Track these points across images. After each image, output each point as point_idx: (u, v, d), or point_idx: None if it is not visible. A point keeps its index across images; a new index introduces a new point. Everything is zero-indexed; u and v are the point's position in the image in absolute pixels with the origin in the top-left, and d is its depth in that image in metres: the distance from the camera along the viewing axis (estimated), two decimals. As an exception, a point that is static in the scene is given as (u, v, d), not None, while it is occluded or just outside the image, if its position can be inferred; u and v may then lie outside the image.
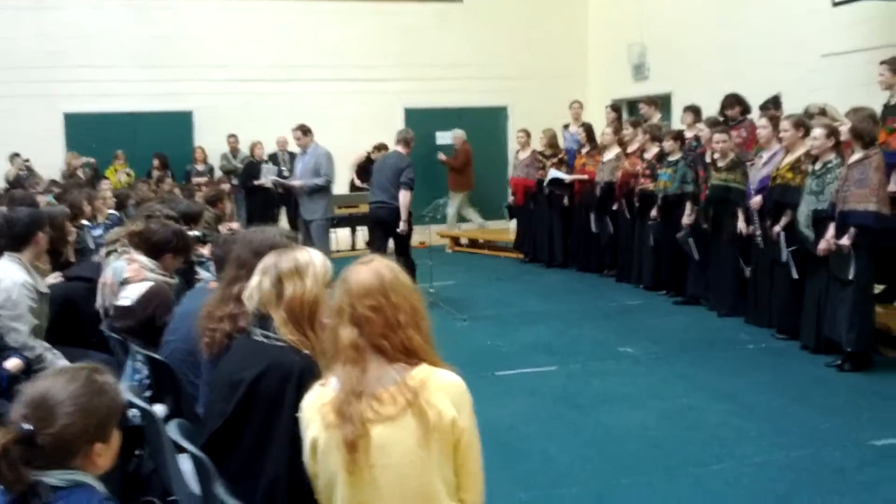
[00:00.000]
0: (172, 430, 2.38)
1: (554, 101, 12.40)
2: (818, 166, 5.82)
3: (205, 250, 7.93)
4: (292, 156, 11.32)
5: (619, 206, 8.87)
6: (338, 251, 11.72)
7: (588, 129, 9.87)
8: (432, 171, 13.75)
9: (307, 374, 2.31)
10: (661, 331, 6.83)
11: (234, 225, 9.73)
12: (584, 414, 4.88)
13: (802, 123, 6.19)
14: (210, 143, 12.55)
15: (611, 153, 9.27)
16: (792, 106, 7.57)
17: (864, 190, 5.37)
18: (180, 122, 12.85)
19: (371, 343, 2.08)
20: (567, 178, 9.70)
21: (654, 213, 8.11)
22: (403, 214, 7.78)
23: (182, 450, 2.43)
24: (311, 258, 2.66)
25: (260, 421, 2.36)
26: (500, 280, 9.49)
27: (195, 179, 11.48)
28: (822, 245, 5.65)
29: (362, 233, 12.09)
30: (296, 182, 8.90)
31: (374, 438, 1.98)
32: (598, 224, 9.29)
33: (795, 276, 6.07)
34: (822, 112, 6.78)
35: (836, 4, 8.46)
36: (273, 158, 11.90)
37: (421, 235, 12.63)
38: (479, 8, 13.96)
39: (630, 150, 8.96)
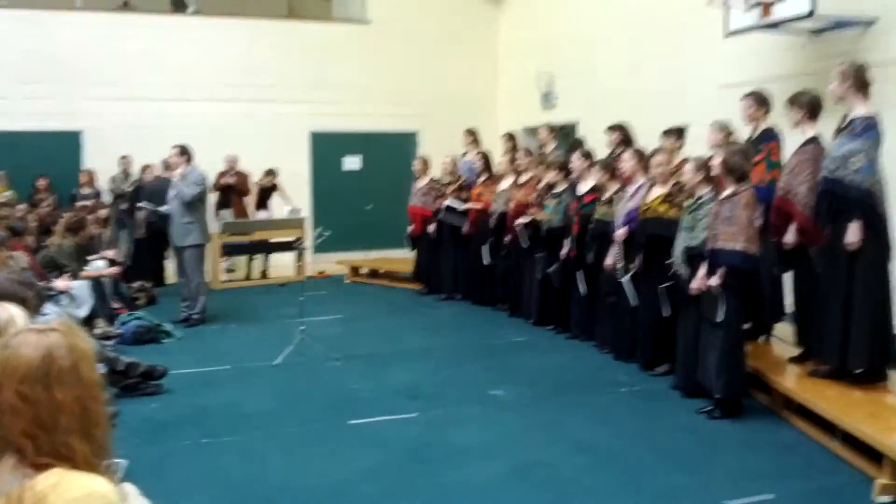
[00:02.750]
0: None
1: (465, 128, 12.13)
2: (692, 201, 5.61)
3: (60, 283, 7.38)
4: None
5: (511, 238, 8.58)
6: (230, 280, 11.22)
7: (485, 158, 9.60)
8: (338, 198, 13.38)
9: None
10: (540, 371, 6.50)
11: (110, 253, 9.17)
12: (429, 469, 4.49)
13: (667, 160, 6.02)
14: (100, 164, 11.89)
15: (505, 183, 8.99)
16: (693, 135, 7.43)
17: (732, 228, 5.14)
18: (68, 143, 12.17)
19: (7, 439, 1.63)
20: (460, 206, 9.40)
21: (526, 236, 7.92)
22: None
23: None
24: (12, 315, 2.21)
25: None
26: (391, 313, 9.08)
27: (80, 203, 10.83)
28: (695, 284, 5.40)
29: (259, 261, 11.59)
30: (161, 208, 8.31)
31: None
32: (489, 256, 8.97)
33: (666, 313, 5.80)
34: (728, 133, 6.60)
35: (727, 36, 8.35)
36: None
37: (321, 264, 12.25)
38: (389, 31, 13.63)
39: (522, 179, 8.69)
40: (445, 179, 9.92)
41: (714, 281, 5.19)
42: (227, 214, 11.27)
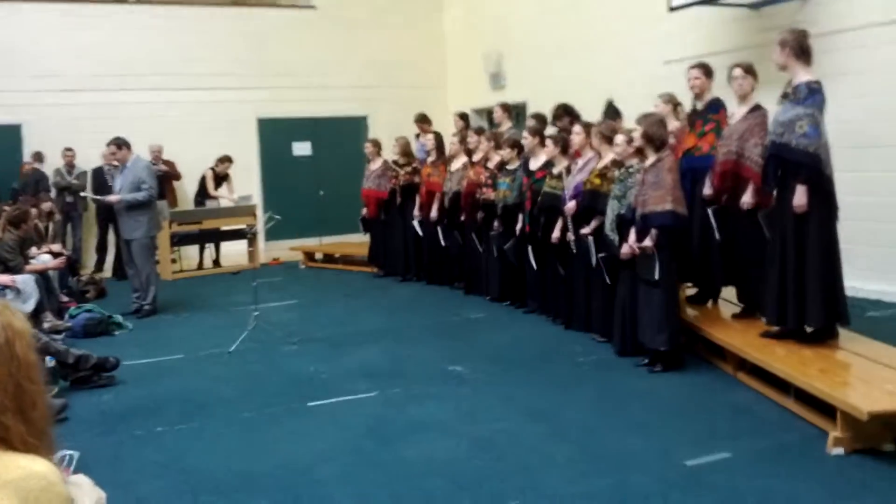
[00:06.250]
0: None
1: (415, 111, 12.02)
2: (621, 172, 5.80)
3: (3, 277, 7.18)
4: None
5: (466, 217, 8.58)
6: (181, 270, 11.03)
7: (438, 138, 9.56)
8: (290, 185, 13.24)
9: None
10: (498, 346, 6.52)
11: (55, 247, 8.95)
12: (389, 447, 4.45)
13: (612, 131, 6.12)
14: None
15: (458, 163, 8.97)
16: (640, 109, 7.48)
17: (660, 192, 5.41)
18: (8, 136, 11.83)
19: None
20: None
21: (496, 223, 7.88)
22: None
23: None
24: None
25: None
26: (347, 297, 9.02)
27: (22, 198, 10.54)
28: (625, 249, 5.66)
29: (210, 250, 11.42)
30: (112, 197, 8.11)
31: None
32: (445, 237, 8.97)
33: (608, 281, 6.05)
34: (675, 104, 6.69)
35: (672, 10, 8.42)
36: (98, 172, 11.07)
37: (275, 251, 12.13)
38: (334, 16, 13.51)
39: (475, 158, 8.68)
40: (401, 160, 9.86)
41: (648, 242, 5.43)
42: (164, 205, 11.03)
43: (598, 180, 6.13)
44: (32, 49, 11.83)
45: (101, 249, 11.34)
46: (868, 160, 7.25)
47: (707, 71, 6.34)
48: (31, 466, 1.52)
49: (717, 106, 6.27)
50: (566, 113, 7.67)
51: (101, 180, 10.85)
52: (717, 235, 5.94)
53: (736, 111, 5.86)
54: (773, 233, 5.24)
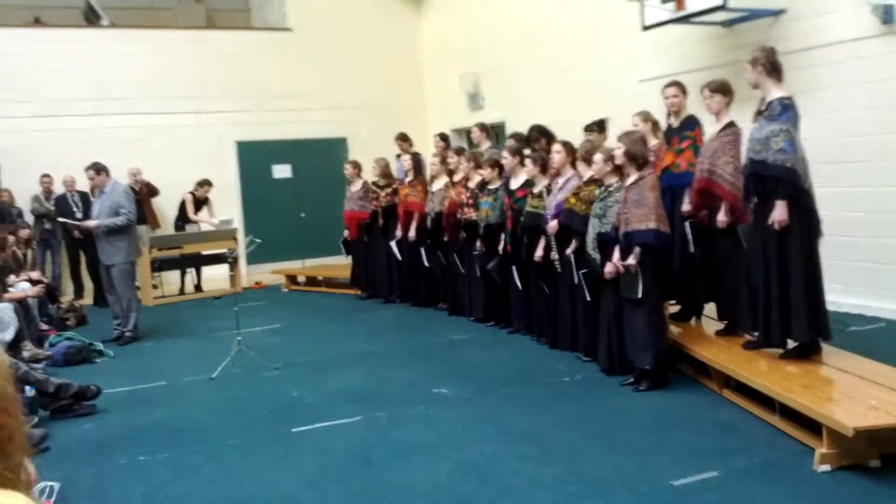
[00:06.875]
0: None
1: (394, 132, 12.05)
2: (601, 190, 5.85)
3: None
4: (83, 195, 10.49)
5: (449, 237, 8.59)
6: (163, 297, 10.95)
7: (415, 158, 9.58)
8: (270, 207, 13.20)
9: None
10: (482, 367, 6.50)
11: (34, 274, 8.87)
12: (373, 473, 4.41)
13: (592, 150, 6.20)
14: (21, 185, 11.46)
15: (440, 183, 8.98)
16: (616, 128, 7.51)
17: (642, 210, 5.46)
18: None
19: None
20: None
21: (478, 243, 7.89)
22: None
23: None
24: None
25: None
26: (330, 320, 8.98)
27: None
28: (609, 268, 5.70)
29: (191, 275, 11.34)
30: (91, 222, 8.05)
31: None
32: (428, 257, 8.96)
33: (588, 298, 6.10)
34: (654, 123, 6.74)
35: (645, 29, 8.51)
36: (62, 199, 10.98)
37: (257, 275, 12.07)
38: (311, 37, 13.54)
39: (456, 178, 8.70)
40: (381, 182, 9.86)
41: (631, 260, 5.46)
42: (145, 230, 10.96)
43: (574, 199, 6.18)
44: (4, 74, 11.75)
45: (76, 277, 11.23)
46: (842, 175, 7.33)
47: (683, 89, 6.41)
48: (9, 502, 1.48)
49: (692, 123, 6.33)
50: (541, 134, 7.70)
51: (64, 207, 10.77)
52: (691, 248, 6.00)
53: (712, 128, 5.92)
54: (752, 248, 5.28)
